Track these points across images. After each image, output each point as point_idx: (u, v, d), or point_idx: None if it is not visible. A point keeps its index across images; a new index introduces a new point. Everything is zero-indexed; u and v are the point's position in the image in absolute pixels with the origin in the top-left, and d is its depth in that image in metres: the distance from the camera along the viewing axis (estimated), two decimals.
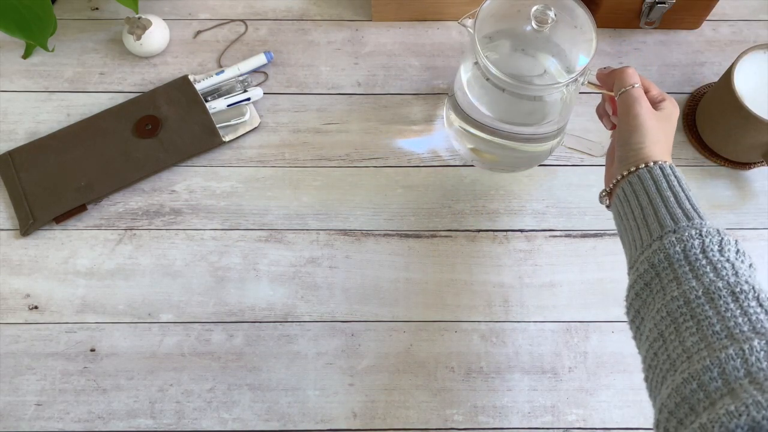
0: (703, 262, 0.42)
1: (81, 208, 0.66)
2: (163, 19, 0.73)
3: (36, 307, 0.63)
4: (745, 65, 0.63)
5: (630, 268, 0.47)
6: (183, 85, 0.70)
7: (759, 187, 0.68)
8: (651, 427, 0.59)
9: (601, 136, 0.70)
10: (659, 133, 0.50)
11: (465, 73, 0.61)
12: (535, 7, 0.54)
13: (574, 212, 0.67)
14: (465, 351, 0.62)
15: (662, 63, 0.74)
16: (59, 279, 0.64)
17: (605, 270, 0.65)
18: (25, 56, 0.73)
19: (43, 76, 0.73)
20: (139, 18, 0.71)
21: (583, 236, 0.66)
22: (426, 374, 0.61)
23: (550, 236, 0.66)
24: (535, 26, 0.54)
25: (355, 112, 0.71)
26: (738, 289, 0.40)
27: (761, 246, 0.66)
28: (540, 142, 0.63)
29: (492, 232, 0.66)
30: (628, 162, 0.50)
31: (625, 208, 0.49)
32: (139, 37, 0.70)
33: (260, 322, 0.62)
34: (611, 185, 0.52)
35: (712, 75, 0.73)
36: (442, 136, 0.70)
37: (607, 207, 0.54)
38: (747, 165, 0.69)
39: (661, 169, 0.48)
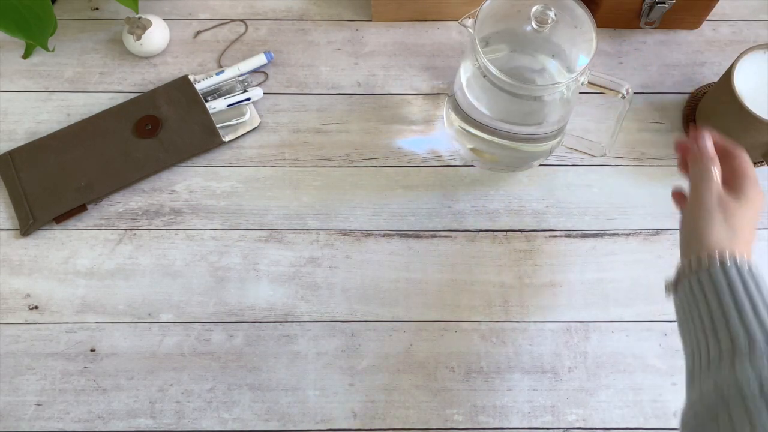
0: None
1: (81, 208, 0.66)
2: (163, 19, 0.73)
3: (36, 307, 0.63)
4: (745, 65, 0.63)
5: (691, 381, 0.41)
6: (183, 85, 0.70)
7: None
8: (651, 427, 0.59)
9: (601, 136, 0.70)
10: (731, 219, 0.45)
11: (465, 73, 0.61)
12: (535, 7, 0.54)
13: (574, 212, 0.67)
14: (465, 351, 0.62)
15: (662, 63, 0.74)
16: (59, 279, 0.64)
17: (605, 270, 0.65)
18: (25, 56, 0.73)
19: (43, 76, 0.73)
20: (139, 18, 0.71)
21: (583, 236, 0.66)
22: (426, 374, 0.61)
23: (550, 236, 0.66)
24: (535, 26, 0.54)
25: (355, 112, 0.71)
26: None
27: (761, 246, 0.66)
28: (540, 142, 0.63)
29: (492, 232, 0.66)
30: (690, 249, 0.45)
31: (690, 306, 0.43)
32: (139, 37, 0.71)
33: (260, 322, 0.62)
34: (677, 276, 0.46)
35: (712, 75, 0.73)
36: (442, 136, 0.70)
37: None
38: None
39: (738, 268, 0.42)
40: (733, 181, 0.48)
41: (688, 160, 0.50)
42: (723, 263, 0.42)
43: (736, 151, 0.49)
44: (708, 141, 0.49)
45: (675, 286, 0.46)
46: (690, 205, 0.47)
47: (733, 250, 0.43)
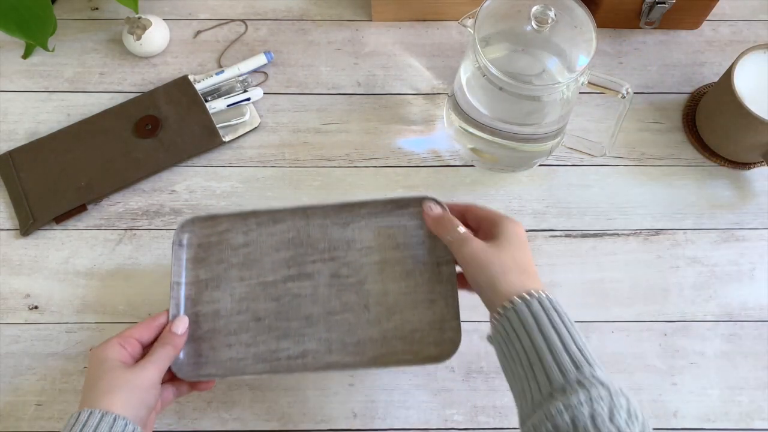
0: None
1: (81, 208, 0.66)
2: (163, 19, 0.73)
3: (36, 307, 0.63)
4: (745, 65, 0.63)
5: (522, 423, 0.43)
6: (183, 85, 0.70)
7: (759, 187, 0.68)
8: (651, 426, 0.59)
9: (601, 136, 0.70)
10: (507, 261, 0.47)
11: (465, 73, 0.61)
12: (535, 7, 0.54)
13: (574, 212, 0.67)
14: (465, 351, 0.61)
15: (662, 63, 0.74)
16: (59, 279, 0.64)
17: (605, 270, 0.65)
18: (25, 56, 0.73)
19: (43, 76, 0.73)
20: (139, 18, 0.71)
21: (583, 236, 0.66)
22: (426, 374, 0.61)
23: (550, 236, 0.66)
24: (535, 26, 0.54)
25: (355, 112, 0.71)
26: None
27: (761, 246, 0.66)
28: (540, 142, 0.63)
29: None
30: (494, 303, 0.46)
31: (509, 351, 0.45)
32: (139, 37, 0.71)
33: None
34: (491, 328, 0.47)
35: (712, 75, 0.73)
36: (442, 136, 0.70)
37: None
38: (747, 165, 0.69)
39: (539, 302, 0.44)
40: (485, 228, 0.51)
41: (437, 234, 0.52)
42: (528, 302, 0.44)
43: (466, 205, 0.53)
44: (439, 208, 0.52)
45: (492, 338, 0.48)
46: (468, 267, 0.49)
47: (530, 286, 0.46)
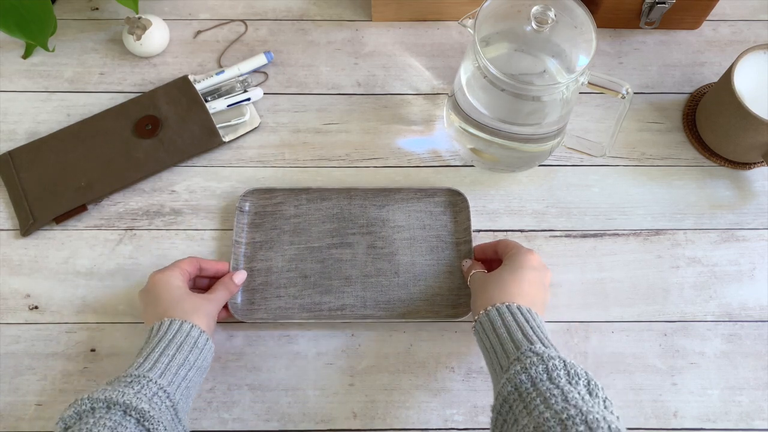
0: (534, 394, 0.45)
1: (81, 208, 0.66)
2: (163, 19, 0.73)
3: (36, 307, 0.63)
4: (745, 65, 0.63)
5: (496, 392, 0.49)
6: (183, 85, 0.70)
7: (759, 187, 0.68)
8: (651, 427, 0.59)
9: (601, 136, 0.70)
10: (492, 282, 0.56)
11: (465, 74, 0.61)
12: (535, 8, 0.54)
13: (574, 212, 0.67)
14: (465, 351, 0.62)
15: (662, 63, 0.74)
16: (59, 279, 0.64)
17: (605, 270, 0.65)
18: (25, 56, 0.73)
19: (43, 76, 0.73)
20: (139, 18, 0.71)
21: (583, 236, 0.66)
22: (426, 374, 0.61)
23: (550, 236, 0.66)
24: (535, 26, 0.54)
25: (355, 112, 0.71)
26: (565, 416, 0.42)
27: (761, 246, 0.66)
28: (540, 142, 0.63)
29: (492, 232, 0.66)
30: (476, 312, 0.56)
31: (484, 343, 0.53)
32: (139, 37, 0.71)
33: (260, 321, 0.62)
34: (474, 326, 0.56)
35: (712, 75, 0.73)
36: (442, 136, 0.70)
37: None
38: (747, 165, 0.69)
39: (507, 307, 0.52)
40: (505, 259, 0.58)
41: (466, 280, 0.61)
42: (498, 307, 0.53)
43: (498, 241, 0.61)
44: (470, 262, 0.62)
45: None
46: (472, 292, 0.59)
47: (506, 300, 0.53)
